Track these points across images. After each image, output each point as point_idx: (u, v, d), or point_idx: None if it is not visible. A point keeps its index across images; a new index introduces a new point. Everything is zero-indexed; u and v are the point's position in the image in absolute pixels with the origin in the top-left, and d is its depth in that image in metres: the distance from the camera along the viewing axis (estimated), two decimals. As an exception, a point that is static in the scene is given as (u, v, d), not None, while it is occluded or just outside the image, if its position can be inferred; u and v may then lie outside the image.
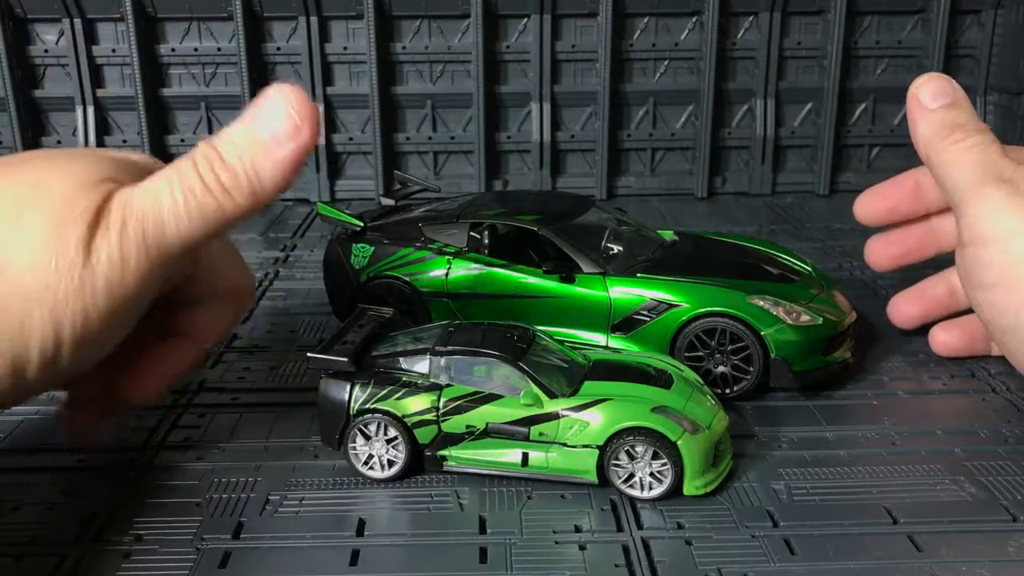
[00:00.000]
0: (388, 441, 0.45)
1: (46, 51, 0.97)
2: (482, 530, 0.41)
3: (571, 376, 0.46)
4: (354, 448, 0.45)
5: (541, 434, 0.44)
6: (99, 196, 0.36)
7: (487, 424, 0.44)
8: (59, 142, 0.99)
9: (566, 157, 1.02)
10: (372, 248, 0.60)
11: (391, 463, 0.45)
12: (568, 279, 0.55)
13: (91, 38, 0.96)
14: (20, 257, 0.34)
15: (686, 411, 0.44)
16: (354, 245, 0.60)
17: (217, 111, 1.00)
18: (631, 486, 0.43)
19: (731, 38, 0.98)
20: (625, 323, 0.54)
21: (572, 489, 0.44)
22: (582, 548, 0.40)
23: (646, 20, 0.97)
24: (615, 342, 0.55)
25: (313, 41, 0.96)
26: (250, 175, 0.39)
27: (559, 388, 0.44)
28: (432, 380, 0.45)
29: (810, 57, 0.99)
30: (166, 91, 0.98)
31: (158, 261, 0.37)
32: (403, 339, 0.48)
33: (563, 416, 0.43)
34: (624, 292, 0.54)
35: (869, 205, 0.61)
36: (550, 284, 0.55)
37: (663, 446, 0.42)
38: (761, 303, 0.52)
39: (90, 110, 0.98)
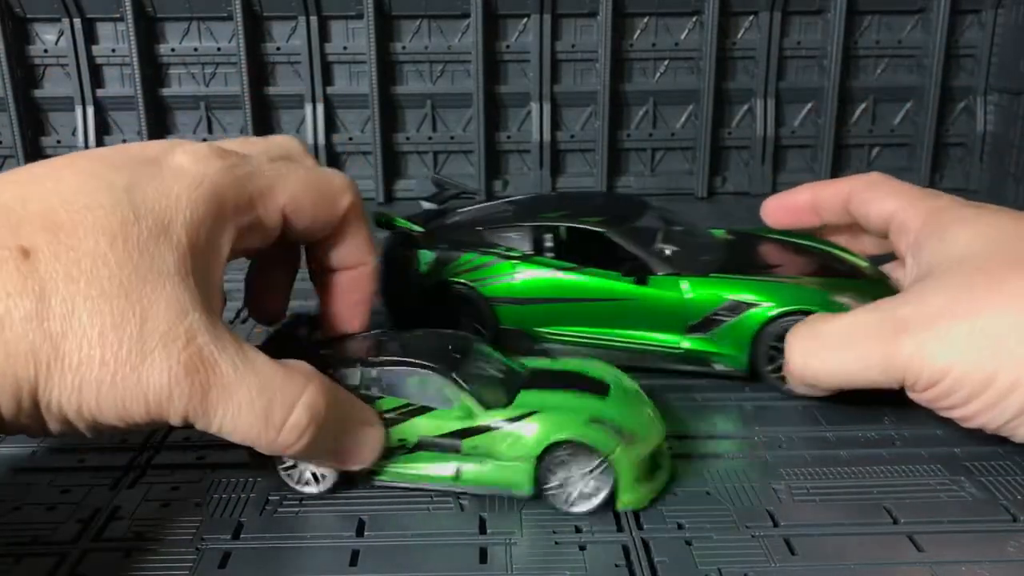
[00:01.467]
0: None
1: (46, 51, 0.97)
2: (482, 530, 0.41)
3: (507, 386, 0.44)
4: (283, 465, 0.43)
5: (475, 447, 0.42)
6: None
7: (419, 438, 0.43)
8: (59, 142, 0.99)
9: (566, 157, 1.02)
10: (434, 254, 0.58)
11: (323, 477, 0.43)
12: (642, 281, 0.54)
13: (91, 38, 0.96)
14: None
15: (622, 422, 0.42)
16: (420, 251, 0.58)
17: (217, 111, 1.00)
18: (566, 500, 0.42)
19: (731, 38, 0.98)
20: (703, 324, 0.54)
21: (572, 489, 0.44)
22: (582, 548, 0.40)
23: (646, 20, 0.97)
24: (691, 344, 0.54)
25: (313, 41, 0.96)
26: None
27: (494, 399, 0.43)
28: (363, 391, 0.43)
29: (810, 57, 0.99)
30: (166, 91, 0.98)
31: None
32: (342, 345, 0.46)
33: (496, 429, 0.42)
34: (701, 292, 0.54)
35: (773, 215, 0.63)
36: (623, 286, 0.55)
37: (597, 459, 0.41)
38: (844, 300, 0.52)
39: (90, 110, 0.98)
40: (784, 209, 0.62)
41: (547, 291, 0.56)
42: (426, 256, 0.58)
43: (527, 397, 0.43)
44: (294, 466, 0.43)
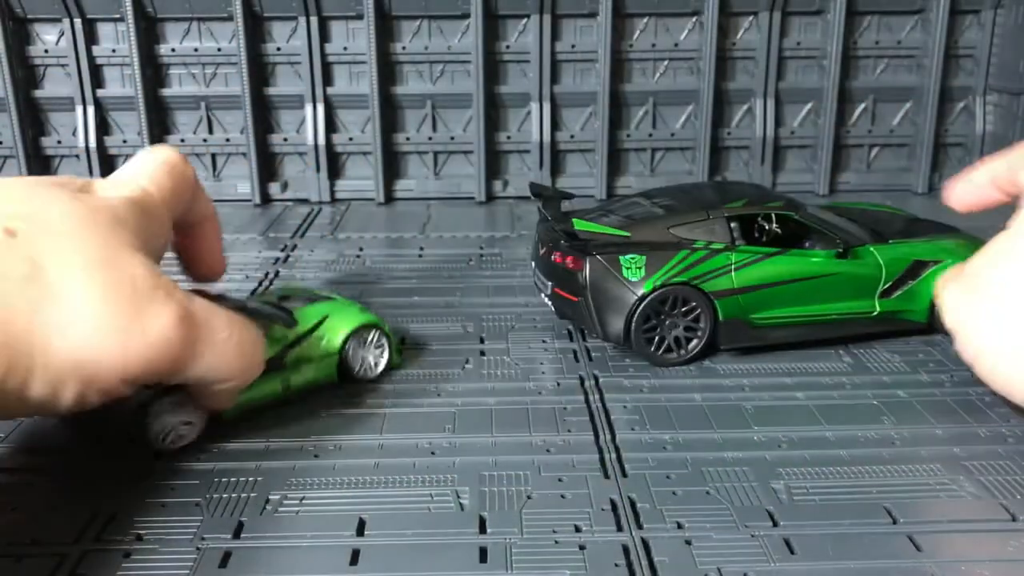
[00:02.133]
0: None
1: (46, 51, 0.97)
2: (482, 530, 0.41)
3: (291, 313, 0.53)
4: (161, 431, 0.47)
5: (295, 358, 0.52)
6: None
7: None
8: (59, 142, 0.99)
9: (566, 157, 1.02)
10: (644, 258, 0.57)
11: (190, 425, 0.48)
12: (843, 255, 0.59)
13: (91, 38, 0.96)
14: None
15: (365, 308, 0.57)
16: (621, 257, 0.57)
17: (217, 111, 1.00)
18: (364, 373, 0.55)
19: (731, 38, 0.98)
20: (893, 287, 0.60)
21: (572, 489, 0.44)
22: (582, 548, 0.40)
23: (646, 20, 0.98)
24: (882, 306, 0.60)
25: (313, 41, 0.96)
26: None
27: (294, 323, 0.53)
28: None
29: (810, 57, 0.99)
30: (166, 91, 0.98)
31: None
32: None
33: (308, 338, 0.53)
34: (892, 258, 0.60)
35: (962, 199, 0.57)
36: (826, 262, 0.59)
37: (376, 332, 0.55)
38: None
39: (90, 110, 0.98)
40: (971, 191, 0.56)
41: (761, 278, 0.58)
42: (637, 260, 0.57)
43: (309, 312, 0.54)
44: (168, 433, 0.47)
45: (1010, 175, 0.54)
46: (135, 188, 0.47)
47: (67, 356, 0.37)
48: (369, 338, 0.55)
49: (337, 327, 0.54)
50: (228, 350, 0.43)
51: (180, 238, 0.54)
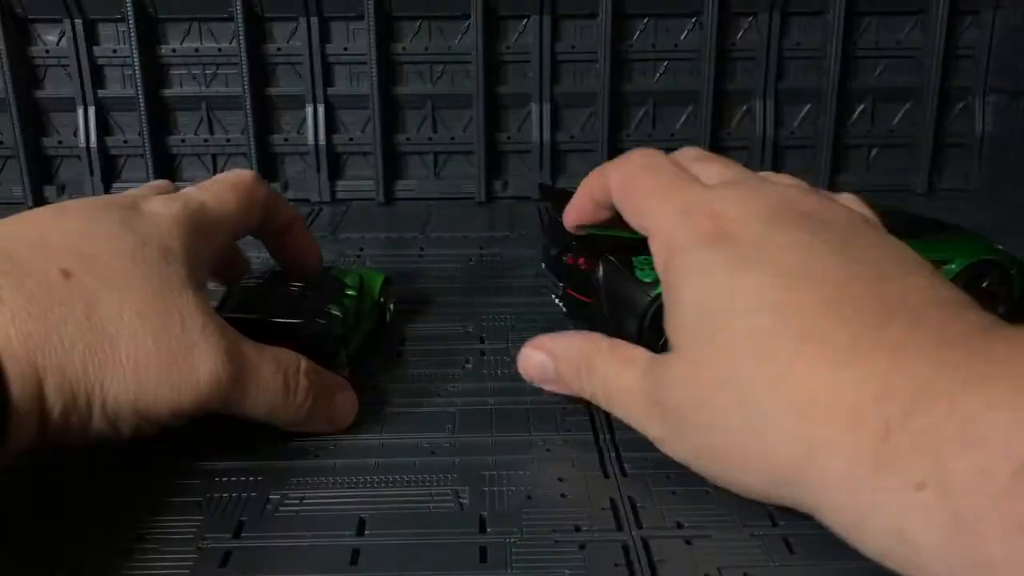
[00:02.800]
0: None
1: (47, 51, 0.97)
2: (482, 530, 0.41)
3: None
4: None
5: (357, 316, 0.57)
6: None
7: None
8: (60, 142, 0.99)
9: (566, 157, 1.02)
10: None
11: None
12: None
13: (92, 39, 0.96)
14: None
15: None
16: (635, 258, 0.56)
17: (218, 111, 1.00)
18: (389, 318, 0.64)
19: (731, 39, 0.98)
20: None
21: (572, 488, 0.44)
22: (582, 547, 0.40)
23: (646, 20, 0.98)
24: None
25: (313, 42, 0.96)
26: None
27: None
28: None
29: (810, 58, 0.99)
30: (167, 92, 0.98)
31: None
32: None
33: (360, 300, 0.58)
34: None
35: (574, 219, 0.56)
36: None
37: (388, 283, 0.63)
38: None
39: (91, 110, 0.98)
40: (577, 211, 0.55)
41: None
42: (648, 262, 0.53)
43: (348, 276, 0.59)
44: None
45: (601, 181, 0.53)
46: (190, 202, 0.48)
47: (122, 396, 0.39)
48: (388, 289, 0.63)
49: (372, 282, 0.61)
50: (277, 388, 0.45)
51: (271, 244, 0.58)
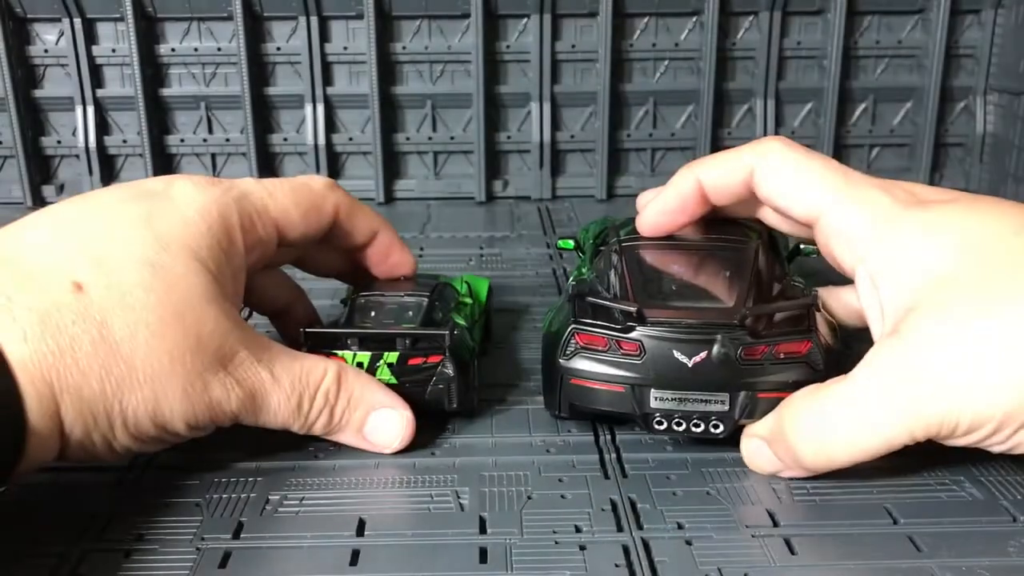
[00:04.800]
0: None
1: (46, 51, 0.97)
2: (482, 530, 0.41)
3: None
4: None
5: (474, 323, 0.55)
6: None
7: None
8: (59, 142, 0.99)
9: (566, 157, 1.02)
10: None
11: None
12: None
13: (91, 38, 0.96)
14: None
15: None
16: None
17: (217, 111, 1.00)
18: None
19: (731, 38, 0.98)
20: None
21: (572, 489, 0.44)
22: (582, 548, 0.40)
23: (646, 20, 0.98)
24: None
25: (313, 41, 0.96)
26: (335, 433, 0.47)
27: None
28: None
29: (810, 57, 0.99)
30: (166, 91, 0.98)
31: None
32: None
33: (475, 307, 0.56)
34: None
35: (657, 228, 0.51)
36: None
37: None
38: None
39: (90, 110, 0.98)
40: (666, 212, 0.50)
41: None
42: None
43: (458, 284, 0.58)
44: None
45: (742, 181, 0.48)
46: (232, 188, 0.46)
47: (141, 412, 0.39)
48: (492, 295, 0.61)
49: (480, 288, 0.59)
50: (290, 409, 0.44)
51: (356, 255, 0.55)
